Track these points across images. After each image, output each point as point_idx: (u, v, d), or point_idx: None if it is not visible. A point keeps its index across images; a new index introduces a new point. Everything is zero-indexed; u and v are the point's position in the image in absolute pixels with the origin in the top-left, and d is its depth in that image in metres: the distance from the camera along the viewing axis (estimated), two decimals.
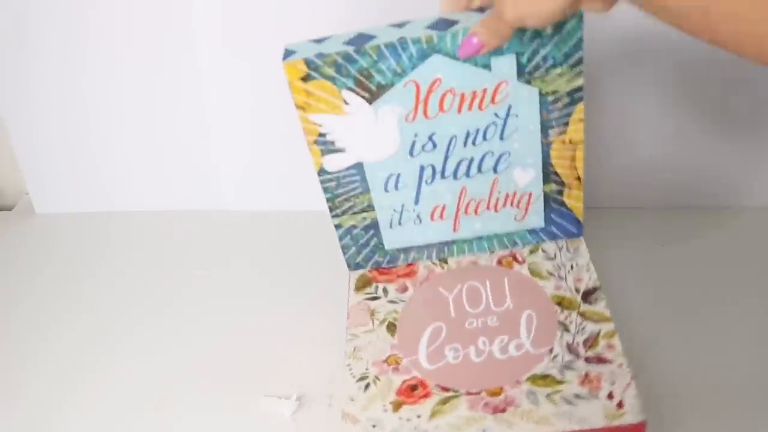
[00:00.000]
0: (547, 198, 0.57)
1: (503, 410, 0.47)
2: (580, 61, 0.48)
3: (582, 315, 0.52)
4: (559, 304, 0.54)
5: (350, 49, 0.47)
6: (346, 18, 0.60)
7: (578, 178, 0.55)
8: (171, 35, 0.70)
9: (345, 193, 0.55)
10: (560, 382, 0.48)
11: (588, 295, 0.54)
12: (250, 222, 0.78)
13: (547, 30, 0.46)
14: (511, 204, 0.57)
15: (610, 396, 0.46)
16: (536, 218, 0.58)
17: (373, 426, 0.48)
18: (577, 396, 0.47)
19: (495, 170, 0.54)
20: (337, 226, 0.58)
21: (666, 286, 0.61)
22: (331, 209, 0.56)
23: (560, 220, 0.58)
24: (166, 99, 0.74)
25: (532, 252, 0.59)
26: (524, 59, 0.48)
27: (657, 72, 0.63)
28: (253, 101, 0.73)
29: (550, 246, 0.59)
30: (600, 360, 0.49)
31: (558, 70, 0.49)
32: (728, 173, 0.68)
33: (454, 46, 0.47)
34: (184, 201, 0.81)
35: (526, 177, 0.55)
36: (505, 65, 0.48)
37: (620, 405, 0.46)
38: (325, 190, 0.55)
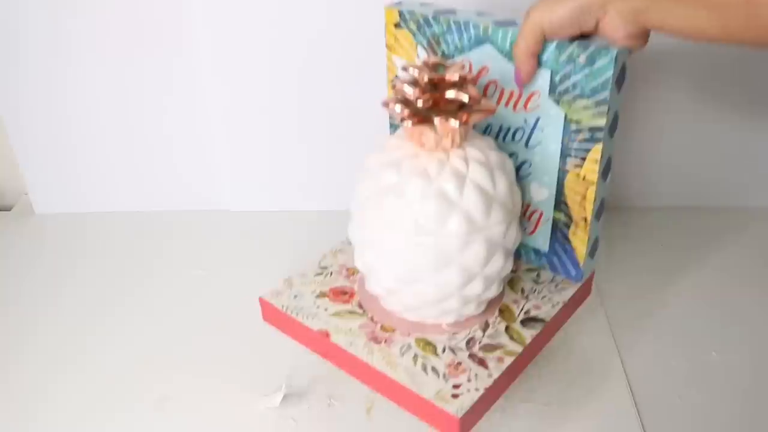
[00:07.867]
0: (554, 226, 0.58)
1: (378, 342, 0.54)
2: (605, 101, 0.49)
3: (507, 329, 0.54)
4: (501, 312, 0.56)
5: (430, 14, 0.56)
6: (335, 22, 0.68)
7: (585, 219, 0.55)
8: (171, 36, 0.71)
9: None
10: (435, 355, 0.52)
11: (528, 321, 0.55)
12: (249, 222, 0.80)
13: (580, 59, 0.49)
14: (524, 214, 0.59)
15: (456, 387, 0.49)
16: (542, 240, 0.59)
17: (295, 296, 0.59)
18: (434, 370, 0.51)
19: (516, 173, 0.58)
20: None
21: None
22: None
23: (564, 255, 0.59)
24: (165, 100, 0.75)
25: (529, 270, 0.61)
26: (557, 78, 0.51)
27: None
28: (252, 101, 0.74)
29: (546, 274, 0.60)
30: (480, 362, 0.51)
31: (584, 102, 0.51)
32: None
33: (504, 41, 0.53)
34: (183, 201, 0.82)
35: (541, 194, 0.57)
36: (540, 77, 0.52)
37: (454, 396, 0.49)
38: (391, 126, 0.65)
